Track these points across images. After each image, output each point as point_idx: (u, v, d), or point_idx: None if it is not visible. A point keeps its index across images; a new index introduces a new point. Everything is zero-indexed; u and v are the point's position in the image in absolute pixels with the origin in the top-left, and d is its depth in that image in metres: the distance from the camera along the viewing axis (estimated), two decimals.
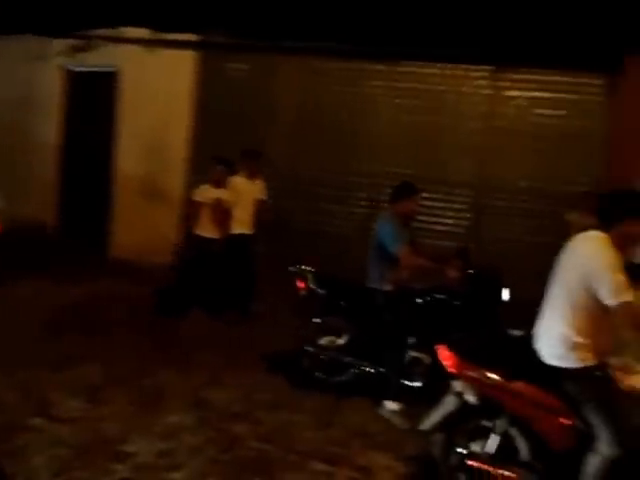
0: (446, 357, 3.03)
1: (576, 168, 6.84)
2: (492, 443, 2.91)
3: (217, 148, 7.38)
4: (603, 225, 2.78)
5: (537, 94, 6.98)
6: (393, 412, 3.99)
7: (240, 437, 3.55)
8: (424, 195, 7.26)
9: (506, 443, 2.93)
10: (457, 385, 3.01)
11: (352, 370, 4.45)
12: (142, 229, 7.83)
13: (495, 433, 2.92)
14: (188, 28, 7.54)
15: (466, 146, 7.14)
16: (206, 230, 6.07)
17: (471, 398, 2.94)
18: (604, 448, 2.63)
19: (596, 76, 6.76)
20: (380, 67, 7.34)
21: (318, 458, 3.38)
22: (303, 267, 4.73)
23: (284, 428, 3.73)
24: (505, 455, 2.92)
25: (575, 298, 2.73)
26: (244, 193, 6.09)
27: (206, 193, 6.09)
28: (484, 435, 2.97)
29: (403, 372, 4.25)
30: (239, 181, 6.12)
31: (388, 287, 4.22)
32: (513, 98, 7.05)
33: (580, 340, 2.72)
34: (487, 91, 7.09)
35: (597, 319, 2.73)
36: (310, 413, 3.97)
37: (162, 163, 8.04)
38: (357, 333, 4.48)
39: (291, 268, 4.77)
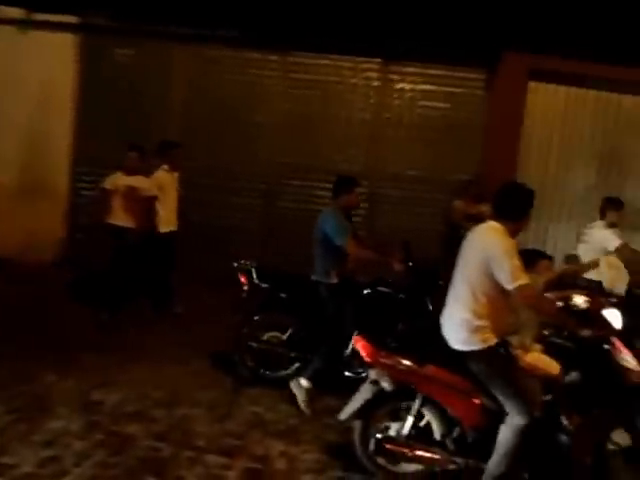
0: (362, 347, 3.15)
1: (462, 158, 7.25)
2: (407, 425, 3.09)
3: (103, 138, 7.06)
4: (501, 217, 3.00)
5: (424, 87, 7.31)
6: (302, 389, 4.02)
7: (132, 438, 3.42)
8: (319, 185, 7.43)
9: (421, 425, 3.12)
10: (373, 373, 3.14)
11: (296, 364, 4.40)
12: (23, 225, 7.26)
13: (410, 416, 3.09)
14: (66, 9, 7.05)
15: (358, 136, 7.34)
16: (119, 219, 5.71)
17: (386, 384, 3.08)
18: (515, 419, 2.85)
19: (477, 71, 7.20)
20: (273, 57, 7.32)
21: (214, 451, 3.34)
22: (245, 262, 4.58)
23: (179, 424, 3.65)
24: (420, 436, 3.10)
25: (476, 284, 2.93)
26: (168, 187, 5.74)
27: (118, 181, 5.73)
28: (400, 419, 3.14)
29: (345, 363, 4.29)
30: (162, 175, 5.71)
31: (333, 280, 4.24)
32: (402, 90, 7.33)
33: (481, 323, 2.92)
34: (377, 83, 7.32)
35: (497, 303, 2.94)
36: (207, 407, 3.92)
37: (43, 154, 7.49)
38: (301, 327, 4.42)
39: (235, 264, 4.58)
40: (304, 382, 4.06)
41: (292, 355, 4.40)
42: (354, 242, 4.19)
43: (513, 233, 2.97)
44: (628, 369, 3.06)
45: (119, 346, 4.90)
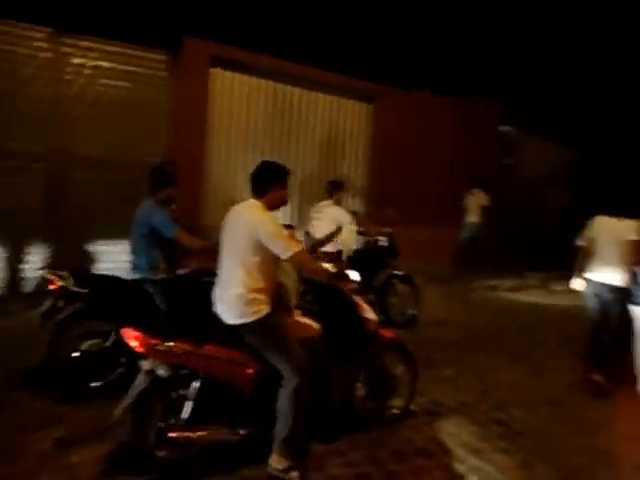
0: (132, 338, 2.91)
1: (148, 139, 7.17)
2: (187, 409, 2.99)
3: None
4: (253, 194, 3.18)
5: (103, 64, 6.92)
6: None
7: None
8: None
9: (201, 405, 3.03)
10: (146, 363, 2.93)
11: (121, 370, 4.06)
12: None
13: (189, 399, 3.00)
14: None
15: (32, 114, 6.52)
16: None
17: (162, 372, 2.91)
18: (289, 381, 3.03)
19: (158, 52, 7.18)
20: None
21: None
22: (55, 270, 4.08)
23: None
24: (202, 417, 3.03)
25: (246, 260, 3.02)
26: None
27: None
28: (181, 405, 3.00)
29: None
30: None
31: (161, 275, 4.12)
32: (78, 65, 6.79)
33: (254, 296, 3.03)
34: (49, 55, 6.58)
35: (268, 274, 3.10)
36: None
37: None
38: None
39: (43, 272, 4.16)
40: None
41: (121, 361, 4.06)
42: (185, 233, 4.12)
43: (269, 207, 3.17)
44: (368, 319, 3.62)
45: None
